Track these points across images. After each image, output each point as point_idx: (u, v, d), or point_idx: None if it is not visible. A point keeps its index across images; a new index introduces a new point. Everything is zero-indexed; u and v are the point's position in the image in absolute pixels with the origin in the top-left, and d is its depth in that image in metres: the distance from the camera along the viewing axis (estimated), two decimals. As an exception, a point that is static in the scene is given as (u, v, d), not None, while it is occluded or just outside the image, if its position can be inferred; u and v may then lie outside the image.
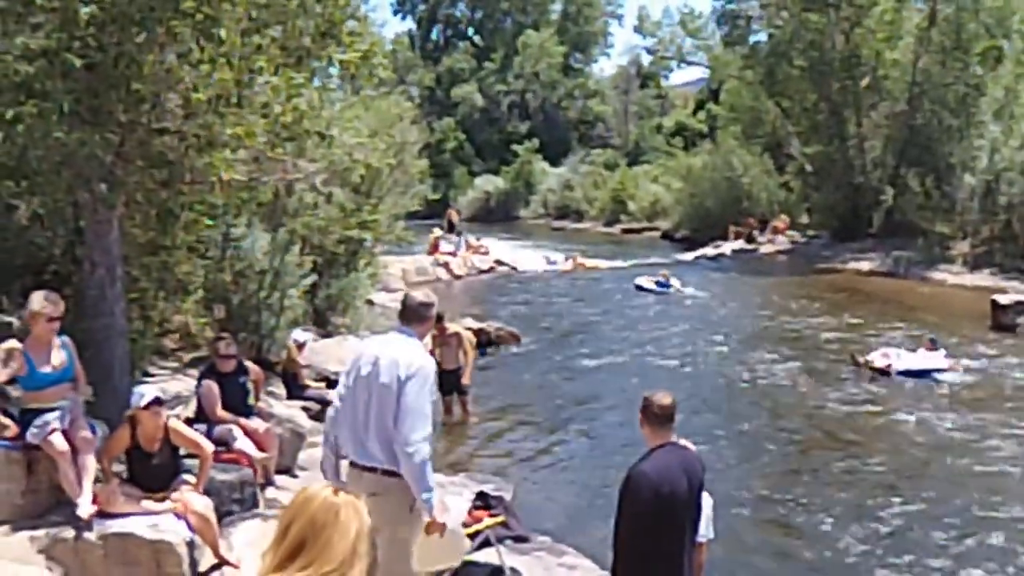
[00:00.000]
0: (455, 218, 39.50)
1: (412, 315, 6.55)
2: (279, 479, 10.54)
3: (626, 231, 55.80)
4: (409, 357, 6.28)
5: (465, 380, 14.74)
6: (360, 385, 6.36)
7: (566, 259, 37.47)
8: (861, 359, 18.62)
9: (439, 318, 13.99)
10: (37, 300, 8.27)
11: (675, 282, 29.99)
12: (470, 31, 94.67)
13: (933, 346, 18.68)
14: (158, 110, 10.60)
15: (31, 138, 9.74)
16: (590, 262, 37.12)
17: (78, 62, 9.50)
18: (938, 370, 17.91)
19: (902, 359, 18.24)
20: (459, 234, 37.61)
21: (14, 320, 11.69)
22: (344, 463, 6.64)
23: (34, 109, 9.52)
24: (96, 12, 9.53)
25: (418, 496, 6.18)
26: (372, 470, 6.24)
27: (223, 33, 10.12)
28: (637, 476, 5.86)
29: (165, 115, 10.67)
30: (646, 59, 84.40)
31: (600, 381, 18.29)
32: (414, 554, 6.39)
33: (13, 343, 8.08)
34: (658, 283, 29.92)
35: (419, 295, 6.71)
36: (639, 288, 29.92)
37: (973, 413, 15.13)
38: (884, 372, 17.97)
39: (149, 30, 9.83)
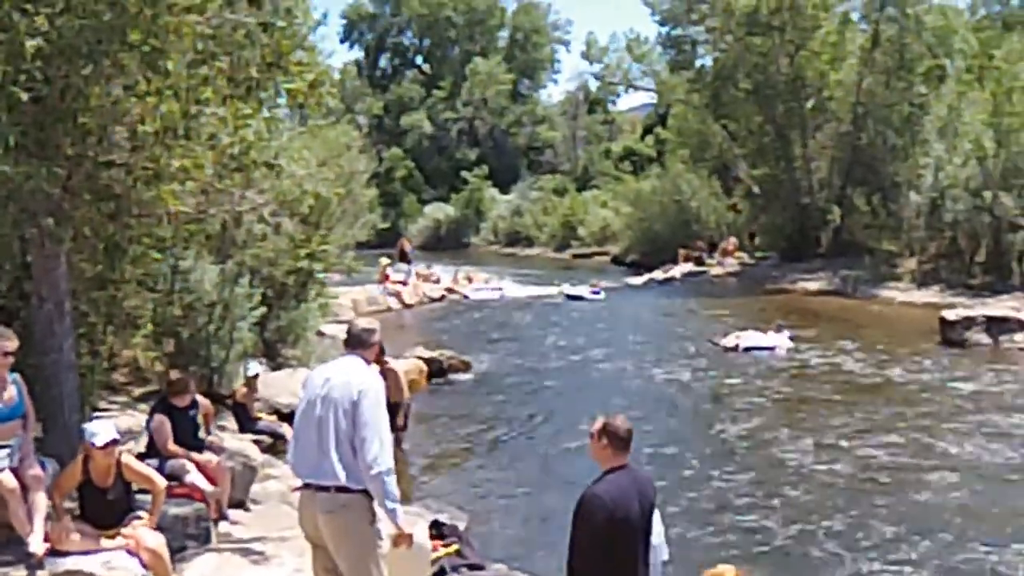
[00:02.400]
0: (407, 247, 39.42)
1: (356, 341, 6.63)
2: (232, 513, 10.45)
3: (576, 256, 56.11)
4: (359, 377, 6.35)
5: (398, 419, 14.30)
6: (312, 407, 6.38)
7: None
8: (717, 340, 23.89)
9: (381, 351, 13.99)
10: None
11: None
12: (418, 59, 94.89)
13: (779, 330, 23.76)
14: (105, 143, 10.54)
15: (-24, 172, 9.65)
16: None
17: (24, 95, 9.43)
18: (773, 348, 22.95)
19: (747, 339, 23.42)
20: (410, 263, 37.55)
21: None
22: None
23: (-21, 143, 9.44)
24: (42, 45, 9.45)
25: (384, 507, 6.22)
26: (326, 489, 6.23)
27: (170, 65, 10.08)
28: (591, 499, 5.86)
29: (112, 148, 10.61)
30: (594, 85, 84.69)
31: (550, 405, 18.35)
32: (380, 568, 6.39)
33: None
34: (594, 292, 32.09)
35: (362, 322, 6.86)
36: (569, 297, 31.60)
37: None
38: (733, 349, 23.19)
39: (96, 62, 9.78)
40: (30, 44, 9.38)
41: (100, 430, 8.08)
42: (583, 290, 33.75)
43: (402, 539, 6.40)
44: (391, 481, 6.18)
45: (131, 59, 9.98)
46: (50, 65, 9.66)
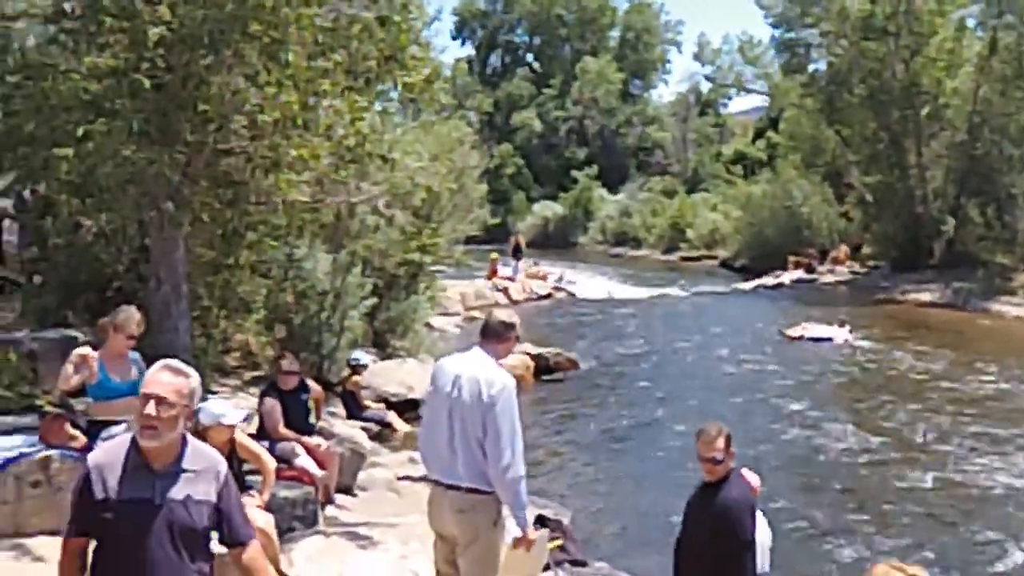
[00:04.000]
0: (521, 243, 39.50)
1: (492, 333, 6.43)
2: (339, 498, 10.58)
3: (684, 259, 55.45)
4: (490, 376, 6.18)
5: None
6: (441, 404, 6.28)
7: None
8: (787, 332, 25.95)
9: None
10: (127, 316, 8.37)
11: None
12: (529, 57, 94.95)
13: (841, 324, 26.00)
14: (225, 131, 10.74)
15: (100, 156, 9.89)
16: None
17: (147, 82, 9.64)
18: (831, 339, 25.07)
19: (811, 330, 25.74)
20: (518, 259, 37.66)
21: (79, 335, 11.87)
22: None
23: (104, 127, 9.68)
24: (165, 33, 9.67)
25: (513, 513, 6.15)
26: (457, 488, 6.17)
27: (290, 56, 10.23)
28: (735, 505, 6.03)
29: (231, 136, 10.80)
30: (705, 86, 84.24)
31: (655, 404, 18.25)
32: (499, 564, 6.39)
33: (88, 350, 8.17)
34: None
35: (502, 314, 6.63)
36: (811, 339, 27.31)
37: None
38: (798, 339, 25.33)
39: (217, 52, 9.98)
40: (153, 32, 9.60)
41: (226, 410, 8.22)
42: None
43: (524, 543, 6.34)
44: (522, 488, 6.12)
45: (252, 49, 10.15)
46: (172, 53, 9.88)
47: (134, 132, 9.68)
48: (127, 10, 9.76)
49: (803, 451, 15.09)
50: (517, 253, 38.08)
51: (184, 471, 4.19)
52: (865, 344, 25.04)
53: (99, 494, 4.12)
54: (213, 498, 4.22)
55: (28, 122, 10.57)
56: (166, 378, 4.18)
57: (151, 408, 4.08)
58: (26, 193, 16.89)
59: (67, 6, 10.38)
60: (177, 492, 4.13)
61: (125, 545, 4.09)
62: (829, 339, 25.25)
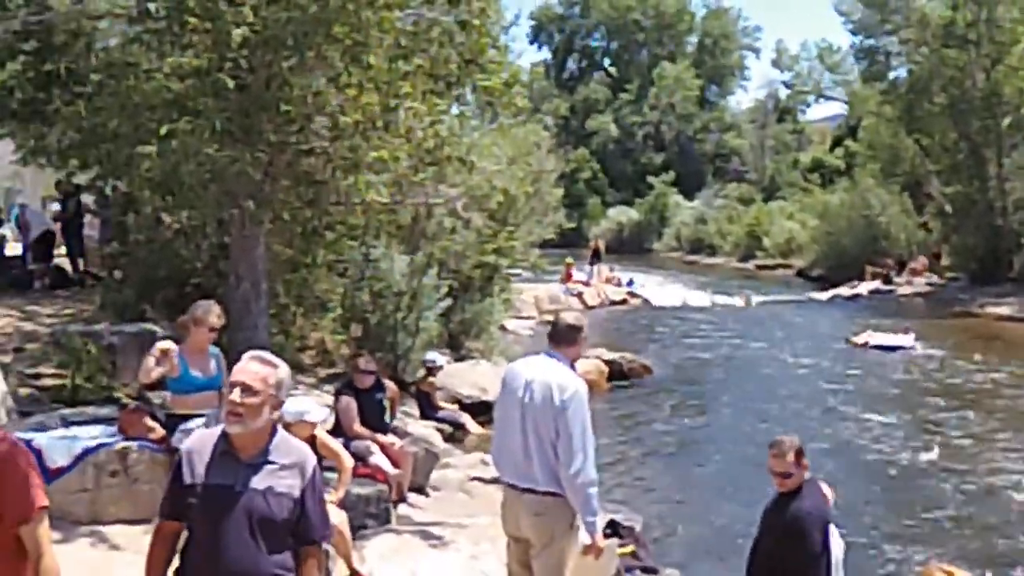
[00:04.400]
0: (601, 248, 39.50)
1: (560, 337, 6.42)
2: (411, 497, 10.65)
3: (760, 267, 55.00)
4: (562, 380, 6.17)
5: None
6: (513, 408, 6.30)
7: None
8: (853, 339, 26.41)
9: None
10: (205, 309, 8.52)
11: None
12: (606, 61, 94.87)
13: (906, 332, 26.48)
14: (306, 131, 10.85)
15: (183, 154, 10.05)
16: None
17: (230, 82, 9.78)
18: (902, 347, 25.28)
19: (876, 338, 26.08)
20: (597, 264, 37.67)
21: (158, 329, 12.06)
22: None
23: (187, 126, 9.83)
24: (248, 34, 9.80)
25: (583, 519, 6.15)
26: (533, 492, 6.18)
27: (372, 59, 10.32)
28: (806, 516, 6.05)
29: (312, 136, 10.90)
30: (783, 93, 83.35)
31: (728, 413, 18.14)
32: (568, 568, 6.40)
33: (170, 344, 8.30)
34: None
35: (569, 317, 6.61)
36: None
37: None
38: (862, 346, 25.71)
39: (300, 53, 10.09)
40: (236, 33, 9.73)
41: (310, 407, 8.32)
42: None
43: (593, 550, 6.31)
44: (593, 493, 6.11)
45: (334, 51, 10.26)
46: (255, 54, 10.02)
47: (217, 131, 9.82)
48: (211, 11, 9.91)
49: (863, 456, 14.94)
50: (596, 258, 38.05)
51: (270, 462, 4.26)
52: (933, 352, 24.84)
53: (187, 479, 4.22)
54: (296, 493, 4.27)
55: (112, 120, 10.78)
56: (254, 367, 4.26)
57: (236, 395, 4.17)
58: (108, 189, 17.19)
59: (151, 6, 10.55)
60: (259, 482, 4.20)
61: (207, 530, 4.18)
62: (895, 347, 25.41)
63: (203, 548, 4.19)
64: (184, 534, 4.36)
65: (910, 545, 11.17)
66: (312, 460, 4.41)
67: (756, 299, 37.14)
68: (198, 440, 4.40)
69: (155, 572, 4.29)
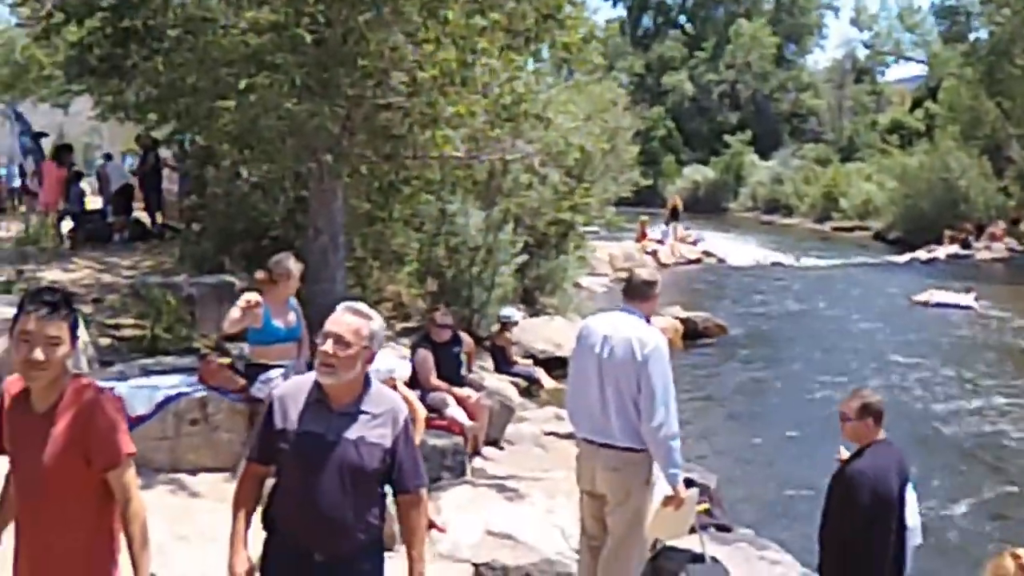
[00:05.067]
0: (679, 205, 39.28)
1: (636, 293, 6.41)
2: (487, 450, 10.71)
3: (836, 229, 54.23)
4: (642, 335, 6.17)
5: None
6: (589, 363, 6.29)
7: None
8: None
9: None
10: (290, 262, 8.61)
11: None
12: (681, 19, 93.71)
13: (968, 291, 26.72)
14: (383, 86, 10.85)
15: (262, 108, 10.11)
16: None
17: (308, 37, 9.80)
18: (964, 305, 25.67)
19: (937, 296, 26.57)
20: (667, 223, 37.49)
21: (236, 281, 12.21)
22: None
23: (266, 80, 9.87)
24: (324, -12, 9.81)
25: (665, 472, 6.16)
26: (611, 447, 6.20)
27: (449, 14, 10.29)
28: (857, 475, 5.77)
29: (390, 91, 10.90)
30: (862, 53, 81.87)
31: (803, 374, 18.03)
32: (646, 521, 6.42)
33: (256, 296, 8.37)
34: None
35: (644, 273, 6.58)
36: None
37: None
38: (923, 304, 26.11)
39: (377, 8, 10.07)
40: (312, -13, 9.75)
41: (396, 364, 8.44)
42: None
43: (675, 502, 6.34)
44: (676, 446, 6.11)
45: (411, 6, 10.23)
46: (332, 9, 10.01)
47: (296, 85, 9.86)
48: (286, -36, 9.96)
49: (935, 423, 14.83)
50: (674, 216, 37.85)
51: (362, 412, 4.27)
52: (997, 313, 24.73)
53: (279, 424, 4.25)
54: (388, 443, 4.28)
55: (191, 74, 10.88)
56: (347, 318, 4.26)
57: (329, 346, 4.17)
58: (186, 143, 17.39)
59: (227, -39, 10.63)
60: (351, 432, 4.22)
61: (297, 477, 4.22)
62: (957, 305, 25.80)
63: (294, 495, 4.23)
64: (270, 480, 4.43)
65: (982, 518, 11.06)
66: (404, 410, 4.42)
67: (832, 261, 36.77)
68: (292, 387, 4.43)
69: (243, 512, 4.34)
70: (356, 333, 4.22)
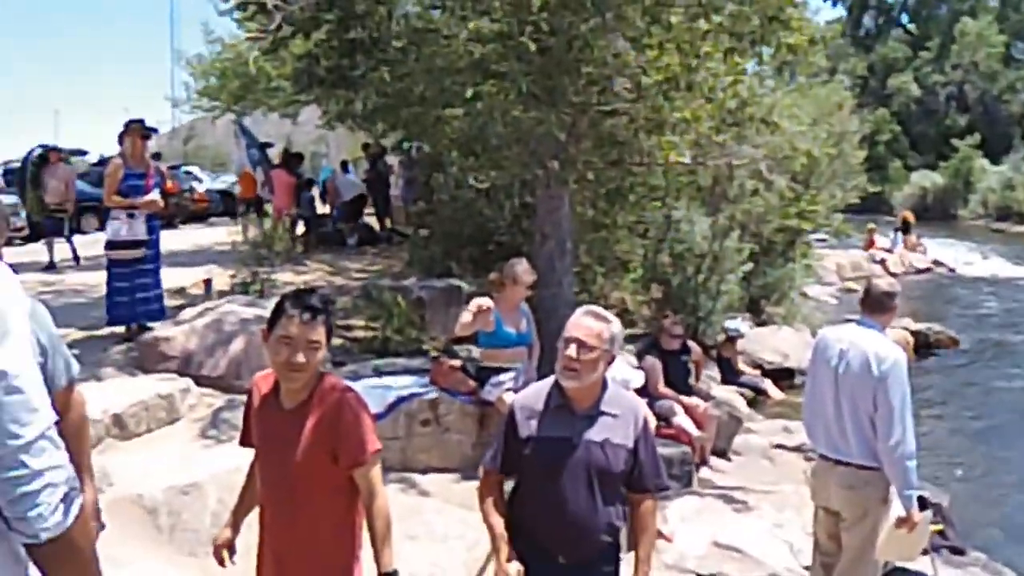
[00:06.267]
0: (911, 220, 38.23)
1: (875, 304, 6.27)
2: (713, 461, 10.60)
3: (1074, 237, 51.62)
4: (880, 349, 6.05)
5: None
6: (826, 377, 6.23)
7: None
8: None
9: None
10: (522, 268, 8.71)
11: None
12: (903, 18, 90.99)
13: None
14: (607, 92, 10.83)
15: (490, 116, 10.23)
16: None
17: (532, 45, 9.85)
18: None
19: None
20: (898, 231, 36.53)
21: (463, 284, 12.38)
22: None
23: (492, 88, 9.98)
24: (548, -1, 9.85)
25: (900, 493, 6.02)
26: (847, 464, 6.12)
27: (672, 18, 10.22)
28: None
29: (614, 97, 10.88)
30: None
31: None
32: (879, 541, 6.23)
33: (487, 301, 8.52)
34: None
35: (883, 284, 6.44)
36: None
37: None
38: None
39: (601, 15, 10.05)
40: (535, -4, 9.80)
41: (632, 375, 8.42)
42: None
43: (908, 524, 6.14)
44: (912, 466, 5.96)
45: (634, 12, 10.18)
46: (555, 17, 10.03)
47: (522, 93, 9.93)
48: (511, -25, 10.03)
49: None
50: (906, 229, 36.86)
51: (604, 414, 4.31)
52: None
53: (523, 432, 4.30)
54: (630, 443, 4.31)
55: (417, 84, 11.08)
56: (588, 322, 4.31)
57: (572, 351, 4.22)
58: (413, 151, 17.77)
59: (451, -26, 10.77)
60: (596, 434, 4.25)
61: (542, 482, 4.26)
62: None
63: (539, 500, 4.28)
64: (515, 485, 4.47)
65: None
66: (643, 410, 4.47)
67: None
68: (530, 394, 4.48)
69: (497, 518, 4.39)
70: (597, 336, 4.26)
